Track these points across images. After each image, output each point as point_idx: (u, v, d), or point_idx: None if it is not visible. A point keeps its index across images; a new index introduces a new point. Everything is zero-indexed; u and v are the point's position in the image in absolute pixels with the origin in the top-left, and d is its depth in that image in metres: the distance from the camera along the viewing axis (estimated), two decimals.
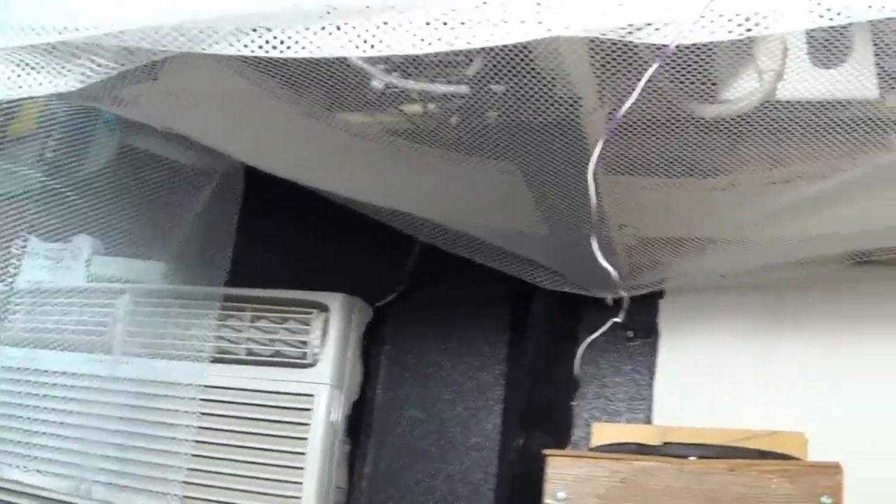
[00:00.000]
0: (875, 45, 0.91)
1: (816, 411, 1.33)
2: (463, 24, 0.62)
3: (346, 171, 1.11)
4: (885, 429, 1.31)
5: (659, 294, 1.37)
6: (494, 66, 0.77)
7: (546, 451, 1.11)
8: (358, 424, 1.40)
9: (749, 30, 0.60)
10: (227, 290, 1.38)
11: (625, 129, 1.00)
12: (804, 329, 1.37)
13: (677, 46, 0.63)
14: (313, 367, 1.34)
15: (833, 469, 1.05)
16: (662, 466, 1.08)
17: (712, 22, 0.60)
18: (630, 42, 0.62)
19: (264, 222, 1.45)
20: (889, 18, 0.58)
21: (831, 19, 0.58)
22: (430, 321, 1.42)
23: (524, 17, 0.61)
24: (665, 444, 1.21)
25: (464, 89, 0.85)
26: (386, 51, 0.64)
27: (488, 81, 0.81)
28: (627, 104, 0.69)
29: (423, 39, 0.63)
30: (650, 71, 0.65)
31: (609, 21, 0.60)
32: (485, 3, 0.62)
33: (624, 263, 1.26)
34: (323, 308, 1.35)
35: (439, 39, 0.63)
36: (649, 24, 0.60)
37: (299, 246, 1.44)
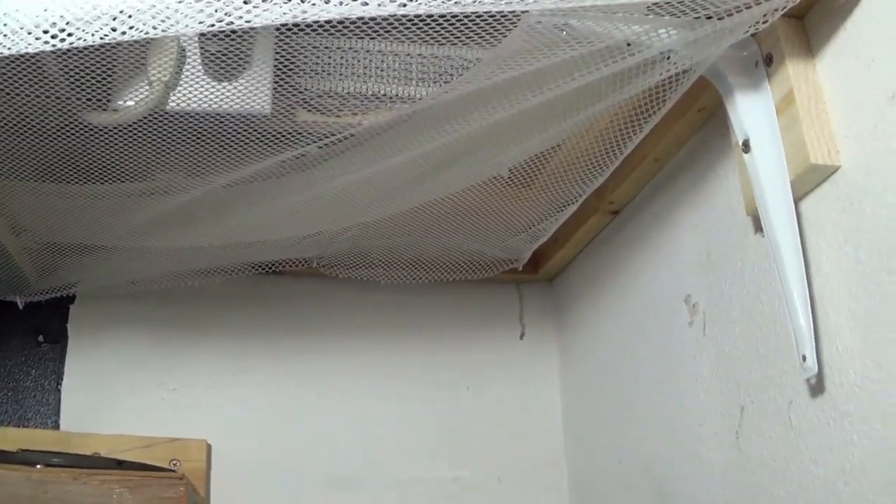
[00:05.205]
0: (278, 62, 0.95)
1: (221, 418, 1.38)
2: None
3: None
4: (292, 434, 1.40)
5: (70, 299, 1.36)
6: None
7: None
8: None
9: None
10: None
11: (9, 133, 0.97)
12: (210, 338, 1.42)
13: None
14: None
15: (175, 480, 1.12)
16: (9, 474, 1.07)
17: None
18: None
19: None
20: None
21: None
22: None
23: None
24: (21, 450, 1.19)
25: None
26: None
27: None
28: None
29: None
30: None
31: None
32: None
33: (30, 268, 1.24)
34: None
35: None
36: None
37: None
